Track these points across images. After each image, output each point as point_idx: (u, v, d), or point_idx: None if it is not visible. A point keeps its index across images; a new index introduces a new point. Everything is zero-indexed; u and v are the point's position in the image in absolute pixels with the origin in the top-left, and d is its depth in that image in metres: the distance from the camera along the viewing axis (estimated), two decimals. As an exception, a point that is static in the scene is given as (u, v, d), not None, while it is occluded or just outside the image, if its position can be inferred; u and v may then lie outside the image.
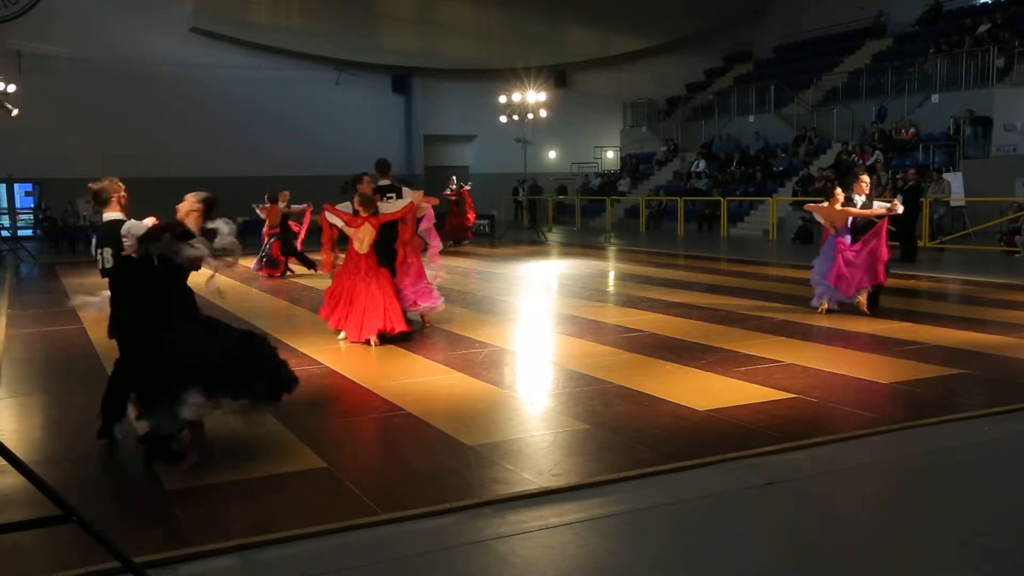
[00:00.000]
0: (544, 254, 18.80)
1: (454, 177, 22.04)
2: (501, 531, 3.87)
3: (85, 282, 14.25)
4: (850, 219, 9.42)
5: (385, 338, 8.08)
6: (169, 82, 26.00)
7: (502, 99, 25.83)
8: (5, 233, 22.72)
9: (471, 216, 21.53)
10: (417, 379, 6.84)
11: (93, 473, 4.76)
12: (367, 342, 8.04)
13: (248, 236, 17.29)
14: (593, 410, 5.80)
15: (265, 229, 14.89)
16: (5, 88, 21.17)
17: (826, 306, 9.47)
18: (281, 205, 14.82)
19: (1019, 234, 15.97)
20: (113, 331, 4.95)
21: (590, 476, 4.52)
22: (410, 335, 8.31)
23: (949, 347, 7.70)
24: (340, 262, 8.60)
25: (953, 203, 18.19)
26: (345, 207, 8.28)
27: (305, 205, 15.05)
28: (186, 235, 4.89)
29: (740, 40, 33.90)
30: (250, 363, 4.76)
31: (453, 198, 20.66)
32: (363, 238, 8.09)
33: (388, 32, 29.56)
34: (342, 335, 8.28)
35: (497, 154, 30.62)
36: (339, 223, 8.25)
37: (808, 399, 5.97)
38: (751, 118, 27.19)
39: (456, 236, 20.71)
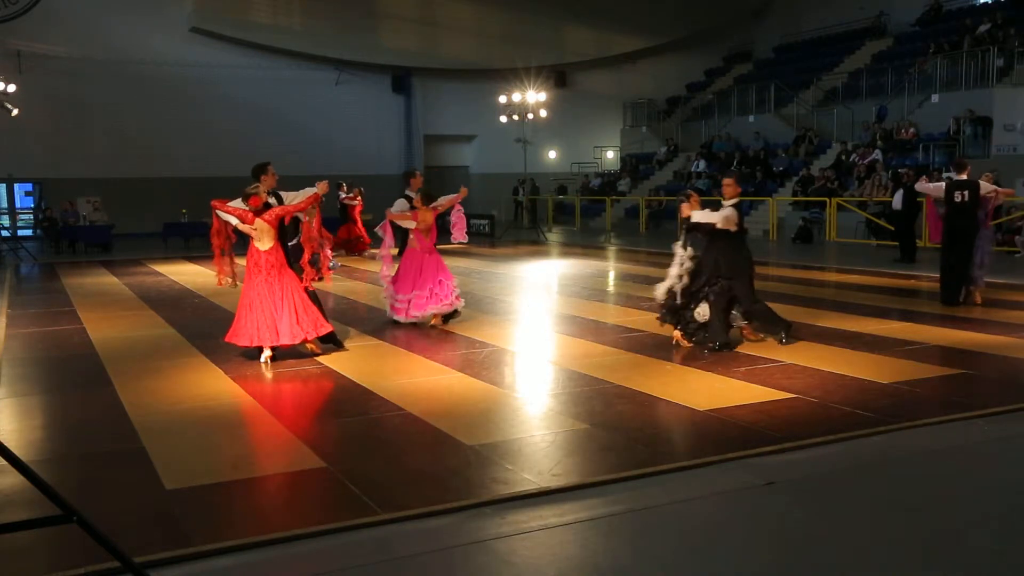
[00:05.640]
0: (544, 254, 18.79)
1: (344, 184, 19.01)
2: (501, 531, 3.87)
3: (85, 282, 14.26)
4: None
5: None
6: (169, 82, 26.02)
7: (502, 99, 25.84)
8: (5, 233, 22.71)
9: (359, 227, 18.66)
10: (417, 379, 6.83)
11: (93, 473, 4.76)
12: (260, 354, 7.30)
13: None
14: (593, 410, 5.80)
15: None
16: (5, 88, 21.18)
17: None
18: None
19: (1019, 234, 15.97)
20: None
21: (590, 476, 4.52)
22: (333, 336, 7.76)
23: (949, 347, 7.71)
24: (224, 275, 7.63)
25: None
26: (237, 203, 7.34)
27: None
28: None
29: (740, 40, 33.92)
30: None
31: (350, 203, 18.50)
32: (261, 235, 7.23)
33: (388, 32, 29.56)
34: (263, 357, 7.33)
35: (497, 154, 30.64)
36: (232, 220, 7.33)
37: (808, 399, 5.97)
38: (751, 118, 27.21)
39: (348, 247, 18.29)
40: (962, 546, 3.72)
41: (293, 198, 7.56)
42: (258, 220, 7.21)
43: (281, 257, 7.33)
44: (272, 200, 7.42)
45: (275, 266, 7.27)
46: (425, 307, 8.98)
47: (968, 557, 3.62)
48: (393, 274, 9.26)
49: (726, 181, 7.92)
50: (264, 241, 7.25)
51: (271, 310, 7.21)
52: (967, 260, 10.10)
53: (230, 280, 7.64)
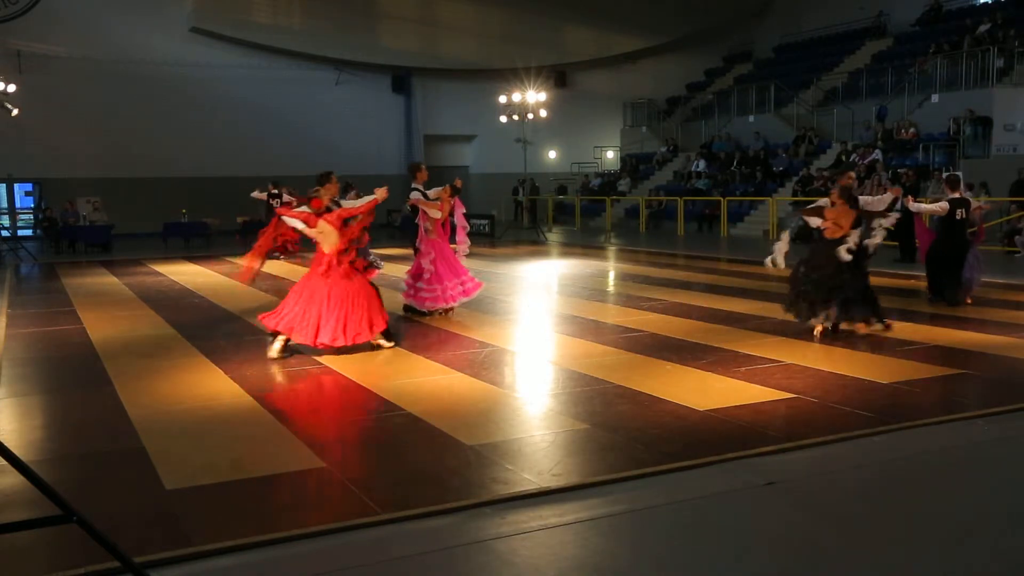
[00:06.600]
0: (544, 254, 18.79)
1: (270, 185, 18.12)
2: (501, 531, 3.87)
3: (85, 282, 14.26)
4: None
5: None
6: (169, 82, 26.03)
7: (502, 99, 25.84)
8: (5, 233, 22.71)
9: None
10: (417, 379, 6.83)
11: (93, 473, 4.76)
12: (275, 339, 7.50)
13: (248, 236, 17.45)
14: (593, 410, 5.80)
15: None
16: (5, 88, 21.18)
17: None
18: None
19: (1019, 234, 15.97)
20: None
21: (590, 476, 4.52)
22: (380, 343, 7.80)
23: (949, 347, 7.71)
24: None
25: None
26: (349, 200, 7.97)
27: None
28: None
29: (740, 40, 33.93)
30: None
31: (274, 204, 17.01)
32: (325, 237, 7.52)
33: (388, 32, 29.57)
34: (277, 346, 7.49)
35: (497, 154, 30.64)
36: (298, 224, 7.74)
37: (808, 399, 5.97)
38: (751, 118, 27.21)
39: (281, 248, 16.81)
40: (962, 546, 3.72)
41: (351, 204, 7.97)
42: (321, 222, 7.51)
43: (345, 259, 7.57)
44: (334, 206, 7.82)
45: (336, 268, 7.51)
46: (469, 294, 9.77)
47: (968, 557, 3.62)
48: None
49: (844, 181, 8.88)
50: (328, 243, 7.52)
51: (320, 310, 7.37)
52: (960, 270, 10.25)
53: (254, 273, 8.28)
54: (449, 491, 4.31)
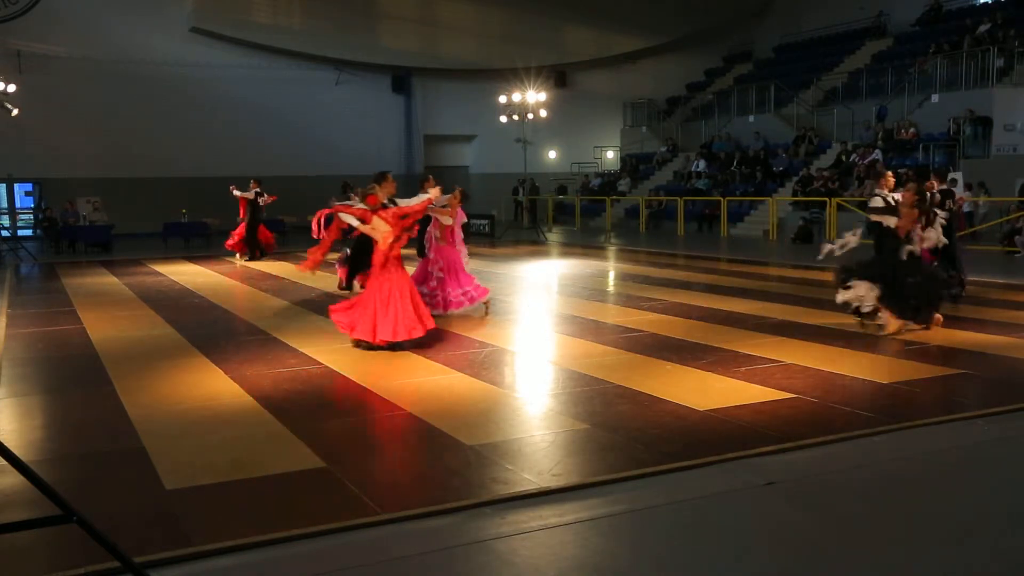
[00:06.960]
0: (544, 254, 18.80)
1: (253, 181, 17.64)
2: (501, 531, 3.87)
3: (85, 282, 14.25)
4: None
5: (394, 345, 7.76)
6: (169, 82, 26.02)
7: (502, 99, 25.84)
8: (5, 233, 22.71)
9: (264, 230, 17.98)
10: (417, 379, 6.83)
11: (93, 473, 4.76)
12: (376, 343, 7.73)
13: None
14: (593, 410, 5.80)
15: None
16: (5, 88, 21.19)
17: None
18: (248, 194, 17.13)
19: (1019, 234, 15.98)
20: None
21: (590, 476, 4.52)
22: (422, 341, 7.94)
23: (949, 347, 7.71)
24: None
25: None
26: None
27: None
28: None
29: (740, 40, 33.93)
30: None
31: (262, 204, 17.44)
32: (379, 233, 7.81)
33: (388, 32, 29.57)
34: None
35: (497, 154, 30.64)
36: (354, 221, 8.04)
37: (808, 399, 5.97)
38: (751, 118, 27.21)
39: (268, 248, 17.77)
40: (962, 546, 3.72)
41: (407, 203, 8.20)
42: (376, 219, 7.80)
43: (398, 254, 7.90)
44: (390, 203, 8.09)
45: (388, 264, 7.81)
46: (474, 301, 9.86)
47: (968, 557, 3.62)
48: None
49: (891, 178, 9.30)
50: (384, 239, 7.80)
51: (376, 307, 7.66)
52: (955, 262, 10.33)
53: (313, 271, 8.87)
54: (449, 491, 4.31)
